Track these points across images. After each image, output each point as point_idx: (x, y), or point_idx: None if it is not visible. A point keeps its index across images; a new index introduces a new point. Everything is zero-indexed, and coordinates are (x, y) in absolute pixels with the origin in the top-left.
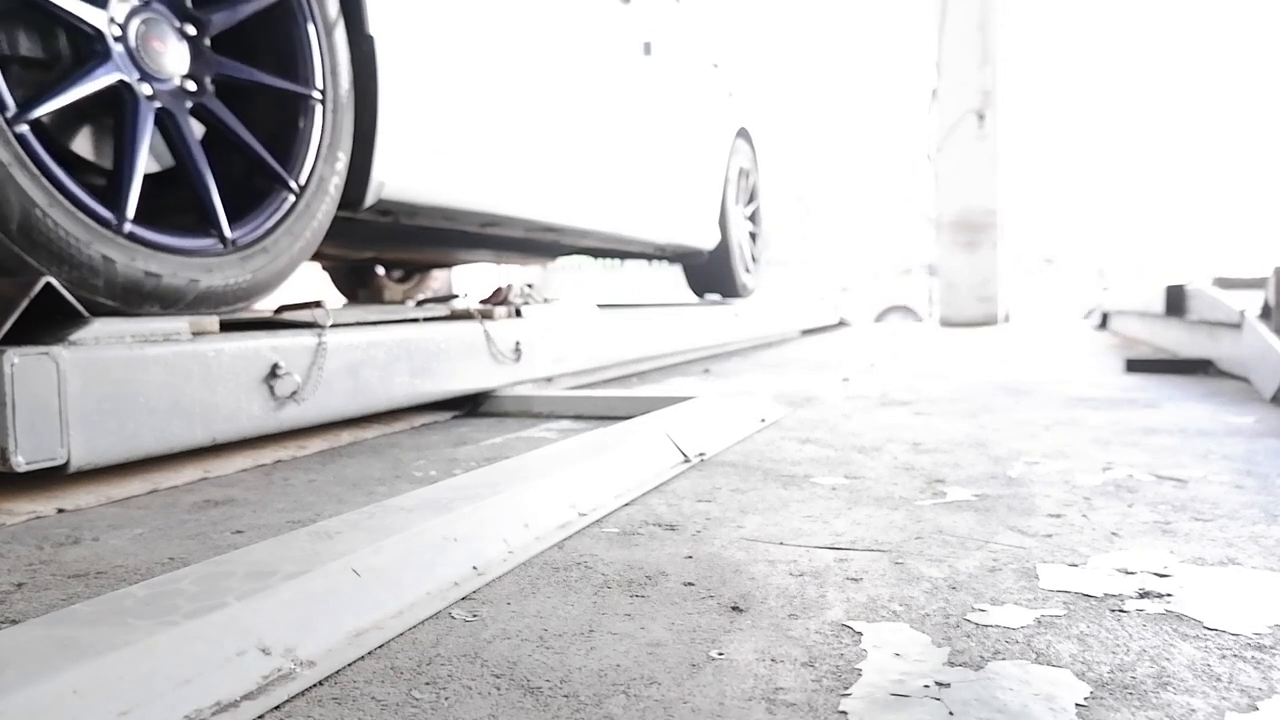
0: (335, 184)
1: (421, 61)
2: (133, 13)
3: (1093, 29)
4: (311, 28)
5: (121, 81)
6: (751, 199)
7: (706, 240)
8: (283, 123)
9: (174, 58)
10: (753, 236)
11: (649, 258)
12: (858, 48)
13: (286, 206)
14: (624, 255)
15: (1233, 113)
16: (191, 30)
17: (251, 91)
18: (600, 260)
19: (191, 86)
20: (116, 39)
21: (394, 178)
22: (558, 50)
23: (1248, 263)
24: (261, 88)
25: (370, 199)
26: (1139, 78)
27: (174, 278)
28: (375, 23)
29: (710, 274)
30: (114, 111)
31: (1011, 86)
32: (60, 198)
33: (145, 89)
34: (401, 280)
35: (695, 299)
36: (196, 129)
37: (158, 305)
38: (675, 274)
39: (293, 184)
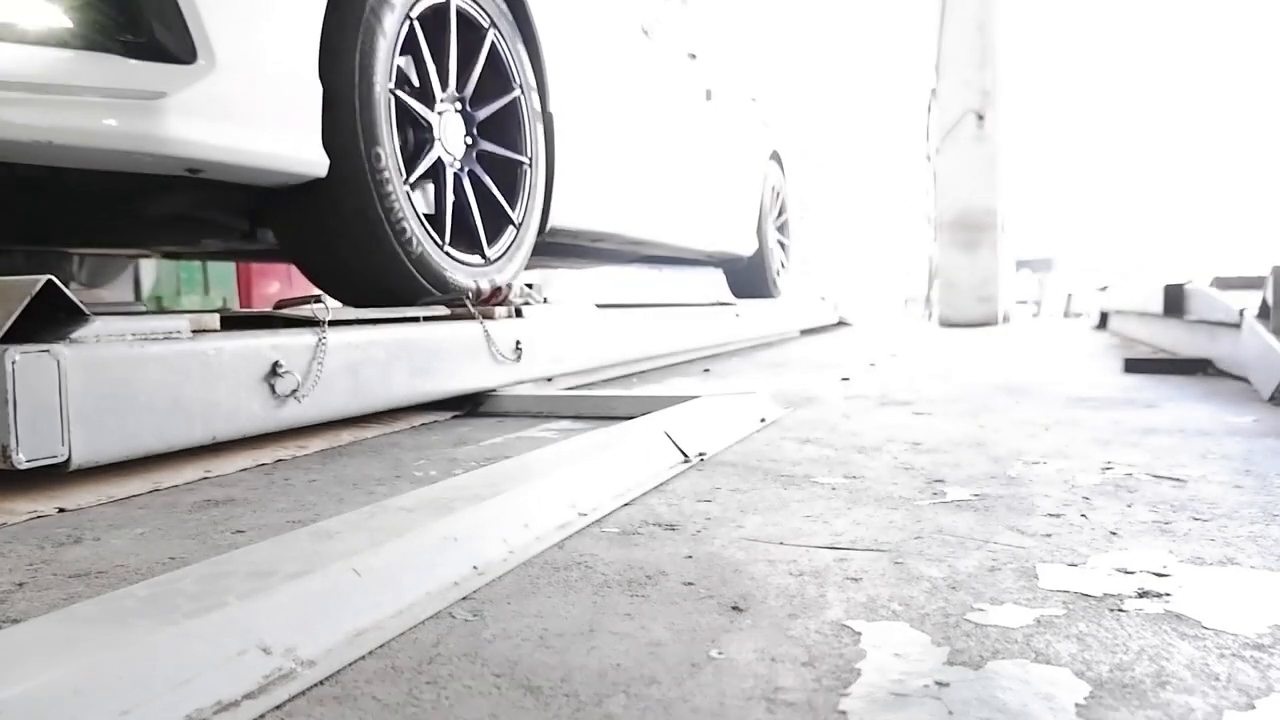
0: (535, 221)
1: (575, 127)
2: (443, 110)
3: (1093, 29)
4: (526, 118)
5: (439, 158)
6: (781, 212)
7: (746, 248)
8: (507, 180)
9: (461, 139)
10: (782, 245)
11: (701, 263)
12: (858, 48)
13: (512, 236)
14: (684, 262)
15: (1233, 112)
16: (467, 121)
17: (491, 159)
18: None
19: (468, 158)
20: (437, 128)
21: (558, 212)
22: (652, 107)
23: (1247, 262)
24: (498, 157)
25: (548, 227)
26: (1139, 77)
27: (466, 282)
28: (555, 102)
29: (748, 277)
30: (433, 179)
31: (1011, 86)
32: (426, 237)
33: (450, 161)
34: None
35: (696, 299)
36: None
37: (454, 297)
38: (675, 274)
39: (516, 220)
